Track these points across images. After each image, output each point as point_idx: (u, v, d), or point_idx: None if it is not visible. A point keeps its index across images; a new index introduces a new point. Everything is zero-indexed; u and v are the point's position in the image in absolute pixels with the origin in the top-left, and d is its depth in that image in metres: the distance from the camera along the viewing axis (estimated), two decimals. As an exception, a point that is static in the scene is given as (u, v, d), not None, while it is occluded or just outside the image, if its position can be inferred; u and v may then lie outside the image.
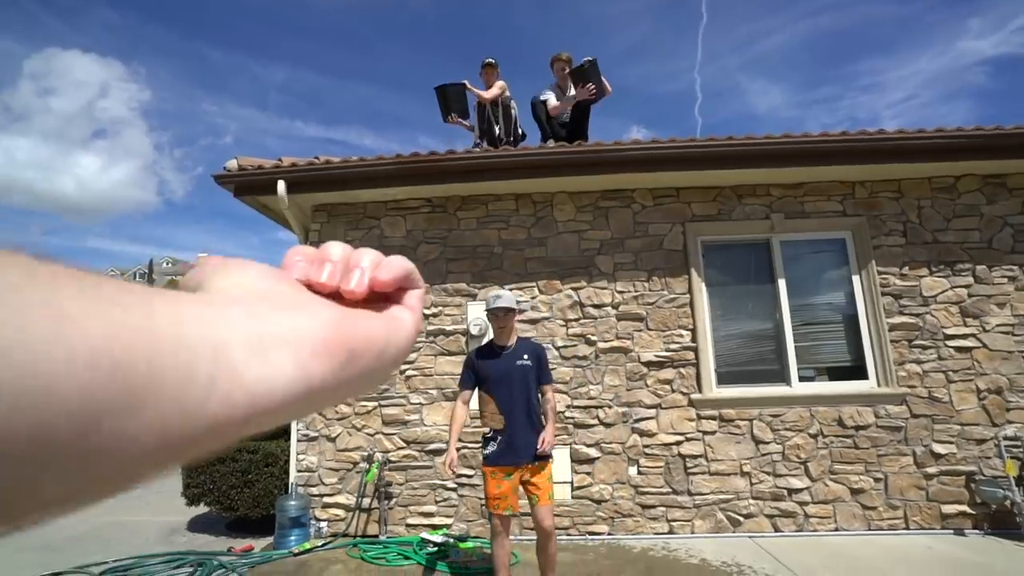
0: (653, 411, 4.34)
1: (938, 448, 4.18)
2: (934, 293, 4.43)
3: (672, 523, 4.18)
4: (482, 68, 5.13)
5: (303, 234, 4.95)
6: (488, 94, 5.01)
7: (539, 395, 3.04)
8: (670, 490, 4.23)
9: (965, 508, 4.09)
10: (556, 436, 3.23)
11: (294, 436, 4.51)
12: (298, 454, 4.48)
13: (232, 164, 4.52)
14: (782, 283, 4.55)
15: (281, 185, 4.39)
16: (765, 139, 4.19)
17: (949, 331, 4.35)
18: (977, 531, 4.03)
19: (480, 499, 4.29)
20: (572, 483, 4.27)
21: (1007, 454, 4.05)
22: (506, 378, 2.94)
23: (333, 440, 4.49)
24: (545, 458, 2.90)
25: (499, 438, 2.89)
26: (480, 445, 3.10)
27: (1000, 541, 3.86)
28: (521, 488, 2.91)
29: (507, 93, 5.09)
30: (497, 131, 4.98)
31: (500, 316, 3.01)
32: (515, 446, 2.85)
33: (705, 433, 4.30)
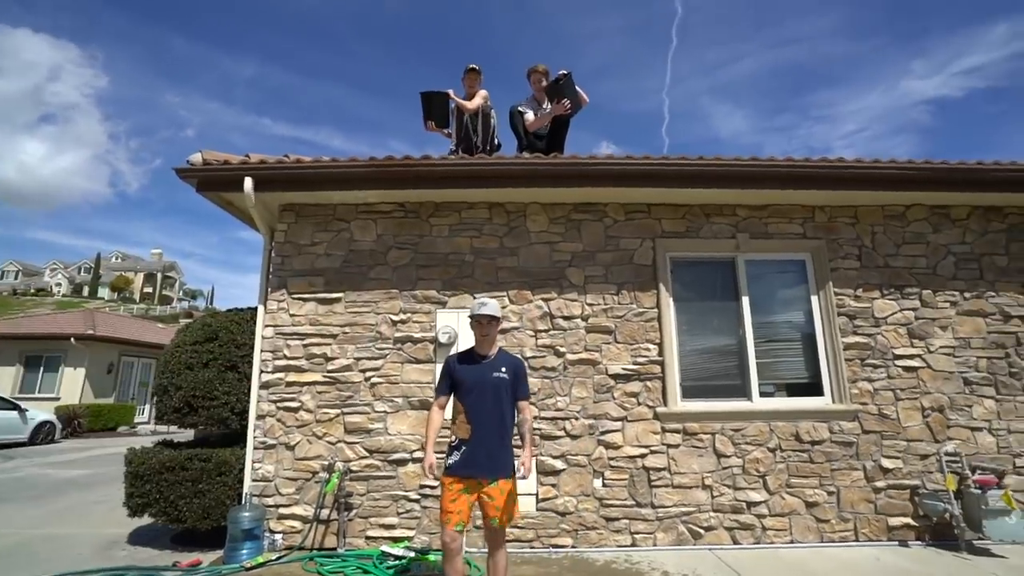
0: (619, 424, 4.38)
1: (886, 463, 4.38)
2: (885, 315, 4.67)
3: (635, 535, 4.20)
4: (465, 73, 5.13)
5: (269, 234, 4.79)
6: (471, 104, 5.01)
7: (514, 411, 2.99)
8: (634, 502, 4.26)
9: (909, 520, 4.29)
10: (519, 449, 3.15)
11: (250, 444, 4.31)
12: (254, 462, 4.29)
13: (196, 158, 4.34)
14: (745, 301, 4.69)
15: (248, 182, 4.25)
16: (734, 161, 4.35)
17: (898, 351, 4.59)
18: (919, 542, 4.23)
19: (444, 511, 4.20)
20: (537, 495, 4.24)
21: (947, 469, 4.28)
22: (479, 387, 2.89)
23: (292, 448, 4.32)
24: (508, 476, 2.83)
25: (463, 448, 2.82)
26: (445, 454, 3.03)
27: (940, 552, 4.05)
28: (479, 503, 2.83)
29: (488, 103, 5.10)
30: (475, 140, 4.97)
31: (484, 324, 2.96)
32: (477, 458, 2.78)
33: (669, 446, 4.36)
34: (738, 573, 3.65)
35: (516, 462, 2.86)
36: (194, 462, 4.12)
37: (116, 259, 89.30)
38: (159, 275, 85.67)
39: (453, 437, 2.89)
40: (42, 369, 16.78)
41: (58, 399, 15.99)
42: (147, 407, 19.24)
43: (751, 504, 4.29)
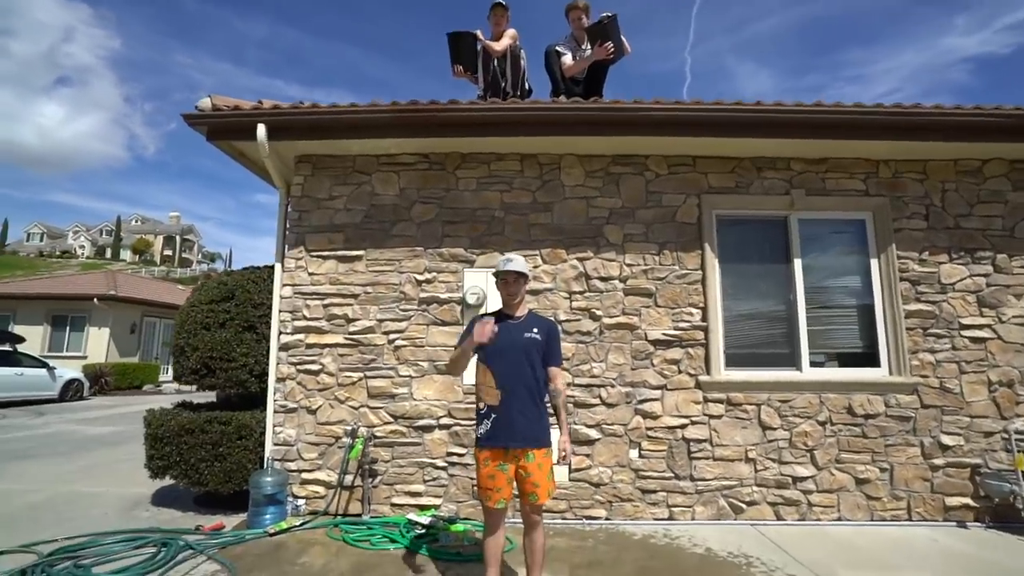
0: (658, 392, 4.11)
1: (946, 440, 4.06)
2: (952, 281, 4.25)
3: (672, 508, 4.00)
4: (491, 10, 4.64)
5: (285, 188, 4.50)
6: (499, 46, 4.54)
7: (546, 378, 2.72)
8: (672, 475, 4.03)
9: (968, 501, 4.00)
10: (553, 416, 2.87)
11: (270, 407, 4.15)
12: (275, 426, 4.13)
13: (205, 103, 4.01)
14: (798, 263, 4.31)
15: (261, 129, 3.93)
16: (796, 106, 3.89)
17: (965, 320, 4.20)
18: (979, 524, 3.96)
19: (472, 479, 4.03)
20: (570, 464, 4.03)
21: (1016, 448, 3.95)
22: (509, 350, 2.61)
23: (314, 412, 4.15)
24: (544, 446, 2.59)
25: (493, 416, 2.56)
26: (474, 423, 2.79)
27: (1002, 535, 3.78)
28: (516, 478, 2.61)
29: (517, 43, 4.64)
30: (503, 84, 4.54)
31: (510, 281, 2.67)
32: (512, 425, 2.52)
33: (711, 417, 4.09)
34: (784, 550, 3.43)
35: (555, 441, 2.61)
36: (213, 425, 3.97)
37: (136, 222, 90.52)
38: (178, 238, 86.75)
39: (481, 404, 2.63)
40: (68, 328, 17.09)
41: (85, 357, 16.33)
42: (170, 366, 19.62)
43: (797, 479, 4.03)
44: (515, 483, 2.61)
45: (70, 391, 13.16)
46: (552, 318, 3.99)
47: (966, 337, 4.18)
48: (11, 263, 59.76)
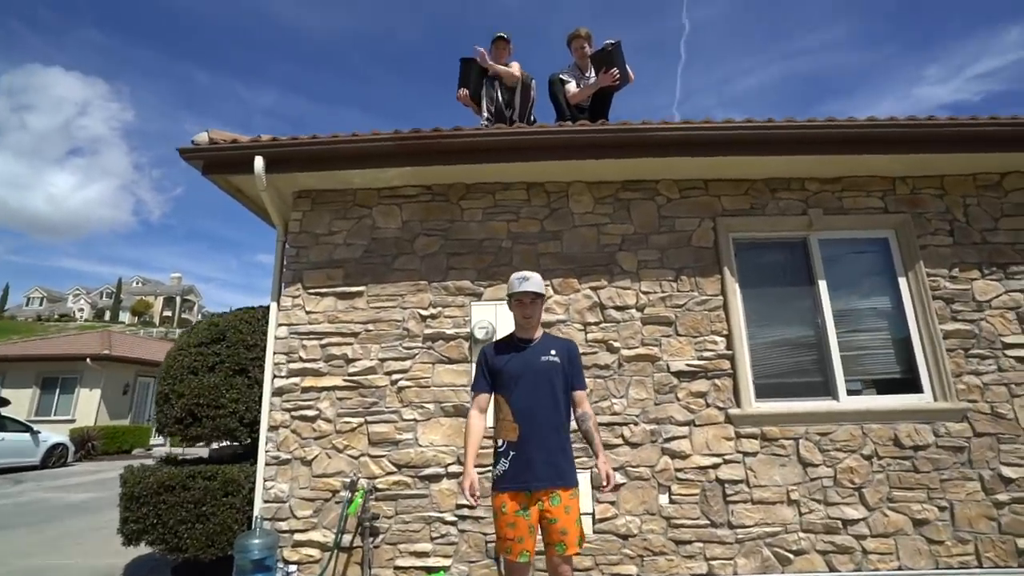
0: (686, 428, 3.76)
1: (1007, 472, 3.68)
2: (988, 297, 4.01)
3: (711, 562, 3.55)
4: (493, 44, 4.65)
5: (282, 225, 4.33)
6: (515, 70, 4.50)
7: (570, 405, 2.44)
8: (708, 522, 3.61)
9: (1042, 541, 3.57)
10: (576, 461, 2.53)
11: (261, 459, 3.77)
12: (266, 480, 3.74)
13: (202, 138, 3.91)
14: (823, 285, 4.08)
15: (259, 162, 3.80)
16: (808, 122, 3.79)
17: (1007, 339, 3.92)
18: (1058, 568, 3.51)
19: (485, 535, 3.61)
20: (593, 514, 3.62)
21: (1087, 478, 3.57)
22: (526, 377, 2.33)
23: (309, 464, 3.77)
24: (570, 486, 2.26)
25: (511, 453, 2.25)
26: (490, 467, 2.45)
27: (1088, 580, 3.33)
28: (540, 526, 2.26)
29: (526, 74, 4.61)
30: (510, 113, 4.48)
31: (527, 303, 2.43)
32: (532, 463, 2.21)
33: (745, 454, 3.72)
34: (848, 609, 2.98)
35: (584, 481, 2.28)
36: (197, 480, 3.59)
37: (137, 283, 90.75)
38: (178, 298, 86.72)
39: (499, 442, 2.32)
40: (58, 391, 16.57)
41: (73, 421, 15.71)
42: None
43: (847, 522, 3.61)
44: (539, 532, 2.25)
45: (53, 457, 12.51)
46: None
47: (1011, 357, 3.89)
48: (8, 328, 59.25)
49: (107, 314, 78.94)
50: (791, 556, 3.56)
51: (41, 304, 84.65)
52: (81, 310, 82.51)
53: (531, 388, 2.32)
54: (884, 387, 3.96)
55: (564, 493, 2.22)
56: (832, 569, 3.54)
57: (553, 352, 2.40)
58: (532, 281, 2.45)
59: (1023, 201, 4.21)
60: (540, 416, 2.28)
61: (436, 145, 3.82)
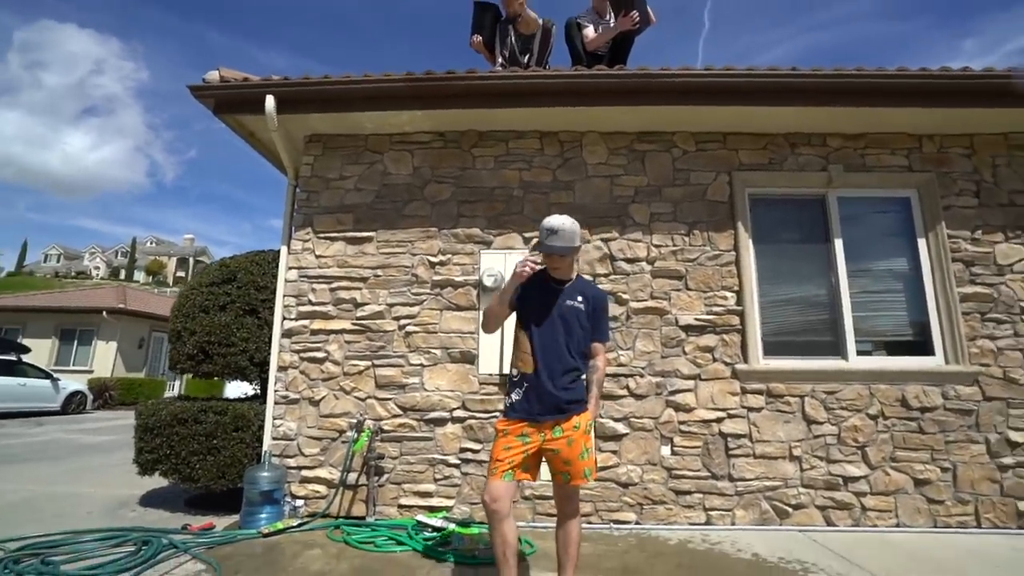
0: (691, 382, 3.76)
1: (1014, 436, 3.65)
2: (1010, 261, 3.91)
3: (710, 512, 3.60)
4: None
5: (293, 169, 4.29)
6: (534, 15, 4.32)
7: (586, 352, 2.37)
8: (709, 474, 3.65)
9: (1044, 505, 3.57)
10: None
11: (271, 397, 3.85)
12: (275, 418, 3.82)
13: (213, 76, 3.85)
14: (839, 244, 4.00)
15: (270, 101, 3.75)
16: (835, 72, 3.63)
17: (1027, 305, 3.83)
18: (1058, 532, 3.51)
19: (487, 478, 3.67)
20: (595, 463, 3.66)
21: (1096, 444, 3.53)
22: (550, 315, 2.27)
23: (317, 404, 3.84)
24: (573, 414, 2.21)
25: (525, 385, 2.23)
26: (506, 391, 2.43)
27: (1089, 544, 3.33)
28: (546, 460, 2.27)
29: (547, 19, 4.43)
30: (526, 58, 4.34)
31: (554, 257, 2.29)
32: (541, 396, 2.18)
33: (750, 410, 3.72)
34: (844, 557, 3.02)
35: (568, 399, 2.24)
36: (208, 415, 3.67)
37: (151, 244, 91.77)
38: (191, 259, 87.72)
39: (514, 372, 2.32)
40: (76, 342, 16.98)
41: (91, 372, 16.15)
42: (177, 383, 19.41)
43: (848, 479, 3.63)
44: (547, 466, 2.27)
45: (73, 403, 12.92)
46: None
47: (1029, 323, 3.81)
48: (26, 283, 60.56)
49: (122, 273, 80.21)
50: (789, 510, 3.60)
51: (58, 261, 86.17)
52: (97, 268, 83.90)
53: (552, 328, 2.27)
54: (894, 349, 3.92)
55: (566, 424, 2.22)
56: (830, 524, 3.57)
57: (580, 299, 2.31)
58: (563, 234, 2.24)
59: (1056, 163, 4.05)
60: (556, 356, 2.24)
61: (448, 87, 3.72)
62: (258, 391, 4.52)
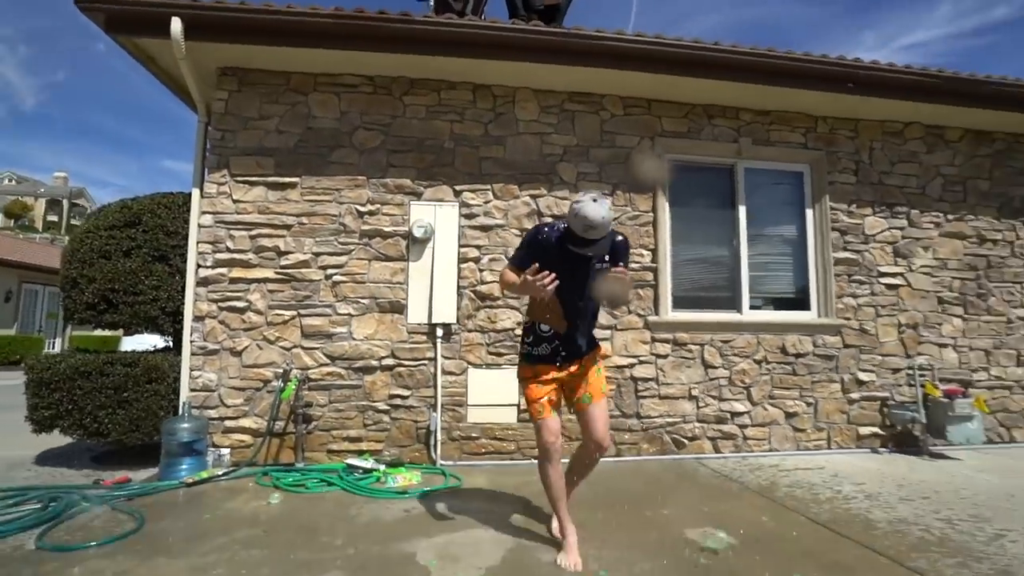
0: (608, 332, 4.10)
1: (862, 376, 4.41)
2: (874, 232, 4.58)
3: (619, 446, 4.03)
4: None
5: (204, 105, 3.94)
6: None
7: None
8: (620, 413, 4.06)
9: (877, 430, 4.39)
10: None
11: (186, 348, 3.67)
12: (192, 369, 3.67)
13: (102, -13, 3.37)
14: (742, 210, 4.45)
15: (176, 24, 3.38)
16: (751, 50, 3.93)
17: (883, 268, 4.55)
18: (885, 449, 4.35)
19: (416, 422, 3.83)
20: (519, 405, 3.93)
21: (919, 381, 4.36)
22: (579, 280, 2.20)
23: (239, 354, 3.73)
24: (588, 352, 2.34)
25: (556, 342, 2.29)
26: (523, 341, 2.39)
27: (905, 457, 4.17)
28: (563, 393, 2.36)
29: None
30: (459, 7, 4.23)
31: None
32: (569, 346, 2.29)
33: (658, 356, 4.15)
34: (726, 476, 3.56)
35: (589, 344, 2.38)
36: (116, 367, 3.45)
37: (9, 181, 78.76)
38: (65, 202, 76.71)
39: (544, 327, 2.31)
40: (-78, 294, 14.57)
41: (-54, 327, 14.02)
42: (57, 340, 17.41)
43: (735, 414, 4.21)
44: (564, 397, 2.37)
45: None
46: (499, 254, 3.87)
47: (883, 284, 4.54)
48: None
49: (-25, 214, 68.51)
50: (686, 441, 4.12)
51: None
52: (-59, 207, 70.88)
53: (583, 292, 2.23)
54: (780, 304, 4.51)
55: (586, 360, 2.32)
56: (717, 451, 4.15)
57: (607, 258, 2.23)
58: (599, 230, 1.99)
59: (916, 150, 4.73)
60: (586, 314, 2.31)
61: (379, 29, 3.56)
62: (170, 344, 4.28)
